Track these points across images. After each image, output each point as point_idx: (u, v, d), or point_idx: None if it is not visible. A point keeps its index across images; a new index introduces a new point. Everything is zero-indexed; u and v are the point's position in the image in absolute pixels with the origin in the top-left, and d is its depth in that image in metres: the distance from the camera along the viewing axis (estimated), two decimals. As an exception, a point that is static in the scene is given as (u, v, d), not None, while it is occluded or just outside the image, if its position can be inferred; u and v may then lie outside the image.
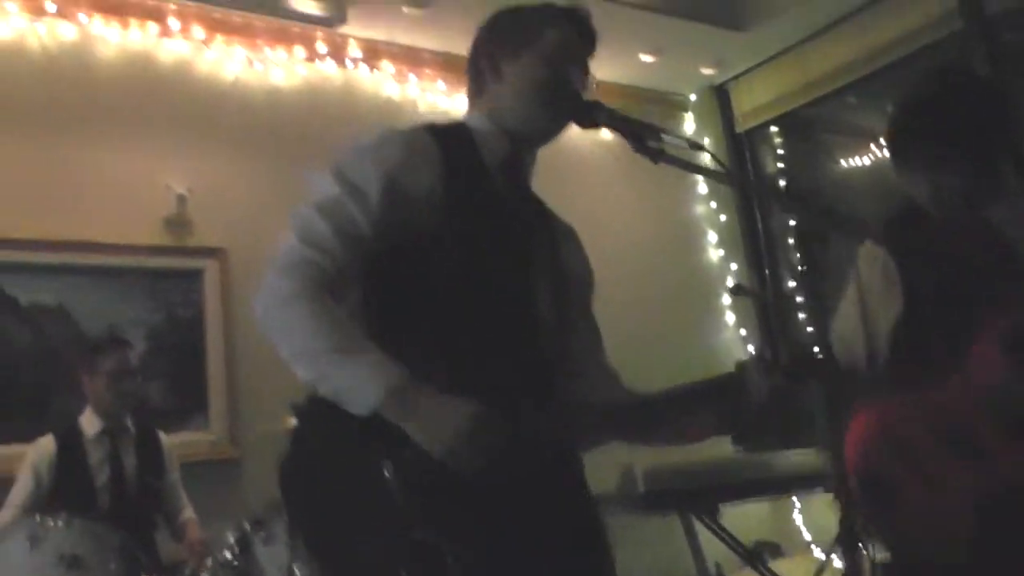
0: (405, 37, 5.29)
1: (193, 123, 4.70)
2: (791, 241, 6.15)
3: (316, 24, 4.99)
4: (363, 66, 5.26)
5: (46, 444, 3.69)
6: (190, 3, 4.69)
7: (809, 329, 6.00)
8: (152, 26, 4.65)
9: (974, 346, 1.97)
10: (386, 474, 1.54)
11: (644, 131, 1.73)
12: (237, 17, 4.86)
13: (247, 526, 3.06)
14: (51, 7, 4.39)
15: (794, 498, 5.52)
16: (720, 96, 6.58)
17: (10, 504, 3.56)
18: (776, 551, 5.32)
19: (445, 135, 1.82)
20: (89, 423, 3.78)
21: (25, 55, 4.37)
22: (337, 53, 5.18)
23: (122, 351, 3.85)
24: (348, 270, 1.68)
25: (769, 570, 3.81)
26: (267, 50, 4.96)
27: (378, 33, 5.23)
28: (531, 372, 1.78)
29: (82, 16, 4.47)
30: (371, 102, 5.27)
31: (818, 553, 5.31)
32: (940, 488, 1.90)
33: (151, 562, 3.38)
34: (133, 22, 4.61)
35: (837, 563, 4.17)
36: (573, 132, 1.89)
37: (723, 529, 3.52)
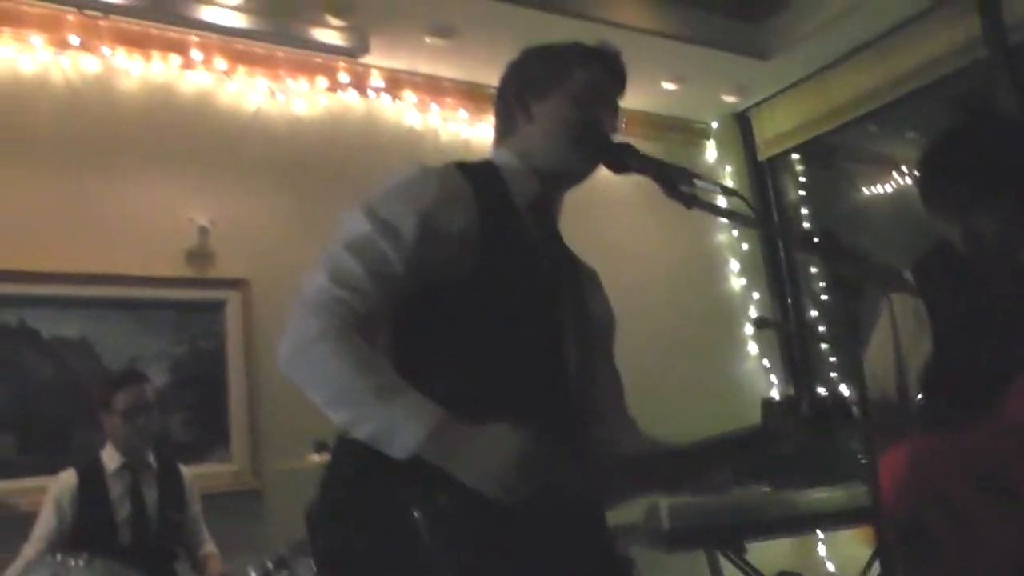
0: (427, 67, 5.29)
1: (215, 154, 4.71)
2: (813, 269, 6.14)
3: (338, 55, 5.00)
4: (385, 96, 5.26)
5: (68, 478, 3.68)
6: (212, 35, 4.70)
7: (832, 359, 5.98)
8: (174, 58, 4.66)
9: (1010, 387, 1.94)
10: (417, 522, 1.50)
11: (676, 175, 1.71)
12: (259, 48, 4.87)
13: (270, 565, 3.05)
14: (75, 40, 4.40)
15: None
16: (742, 124, 6.57)
17: (34, 539, 3.54)
18: (800, 583, 5.26)
19: (476, 174, 1.79)
20: (110, 457, 3.77)
21: (49, 88, 4.38)
22: (359, 83, 5.18)
23: (138, 386, 3.82)
24: (379, 310, 1.63)
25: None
26: (289, 81, 4.97)
27: (400, 63, 5.24)
28: (559, 415, 1.74)
29: (105, 49, 4.48)
30: (393, 132, 5.27)
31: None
32: (976, 535, 1.86)
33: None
34: (155, 54, 4.62)
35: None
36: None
37: (748, 564, 3.49)
